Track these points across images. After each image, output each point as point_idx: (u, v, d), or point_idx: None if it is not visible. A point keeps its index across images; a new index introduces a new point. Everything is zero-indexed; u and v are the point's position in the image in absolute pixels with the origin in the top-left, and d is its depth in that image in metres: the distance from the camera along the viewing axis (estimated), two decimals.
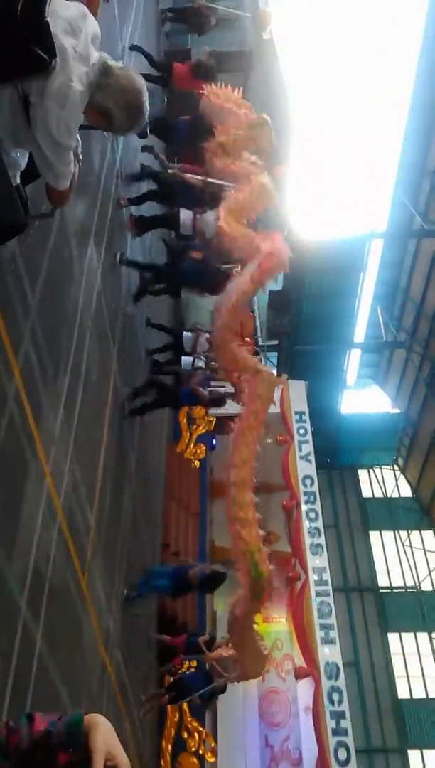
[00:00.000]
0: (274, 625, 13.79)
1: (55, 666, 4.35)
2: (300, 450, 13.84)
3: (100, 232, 5.95)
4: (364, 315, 19.77)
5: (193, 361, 10.42)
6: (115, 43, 7.08)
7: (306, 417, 14.42)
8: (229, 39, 14.29)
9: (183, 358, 10.47)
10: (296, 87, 14.59)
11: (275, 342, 19.12)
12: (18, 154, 2.42)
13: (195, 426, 13.73)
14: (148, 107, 2.49)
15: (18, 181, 2.49)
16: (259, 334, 19.24)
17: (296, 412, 14.44)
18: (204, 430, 13.52)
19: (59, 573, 4.49)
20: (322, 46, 15.78)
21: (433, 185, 17.28)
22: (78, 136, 2.40)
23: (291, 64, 13.99)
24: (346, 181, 17.90)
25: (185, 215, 8.97)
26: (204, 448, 13.67)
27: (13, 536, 3.62)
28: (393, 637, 19.31)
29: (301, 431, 14.26)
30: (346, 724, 11.16)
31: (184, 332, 10.61)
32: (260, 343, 19.18)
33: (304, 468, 13.51)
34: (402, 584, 20.43)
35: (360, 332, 20.02)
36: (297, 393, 14.84)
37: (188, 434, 13.64)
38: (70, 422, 4.76)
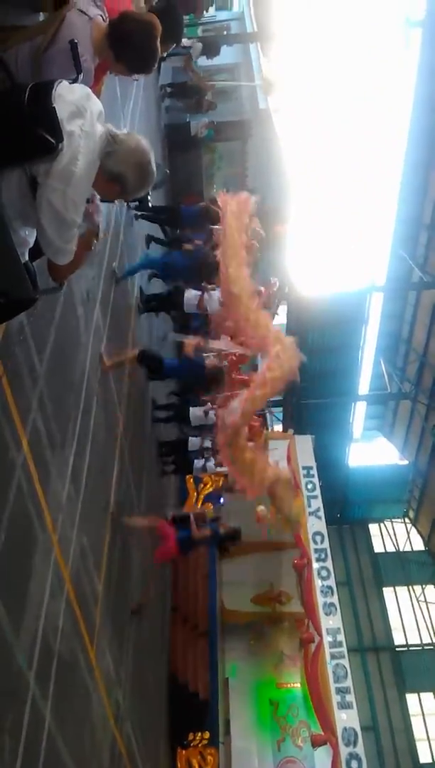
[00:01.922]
0: (289, 690, 13.31)
1: (64, 742, 4.21)
2: (309, 506, 13.59)
3: (105, 298, 6.06)
4: (367, 367, 19.86)
5: (201, 441, 10.58)
6: (118, 119, 7.37)
7: (314, 472, 14.23)
8: (227, 109, 14.84)
9: (190, 439, 10.64)
10: (293, 149, 15.06)
11: (280, 397, 19.15)
12: (27, 233, 2.49)
13: (202, 485, 13.61)
14: (154, 166, 2.59)
15: (27, 257, 2.55)
16: None
17: (304, 467, 14.25)
18: (211, 489, 13.39)
19: (67, 645, 4.39)
20: (316, 108, 16.36)
21: (431, 238, 17.62)
22: (102, 208, 2.48)
23: (286, 128, 14.49)
24: (345, 236, 18.27)
25: (190, 293, 9.21)
26: (211, 507, 13.50)
27: (21, 607, 3.56)
28: (412, 698, 18.66)
29: (310, 486, 14.05)
30: None
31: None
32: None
33: (314, 524, 13.24)
34: (419, 641, 19.87)
35: (364, 384, 20.08)
36: (304, 447, 14.69)
37: (196, 494, 13.51)
38: (77, 488, 4.74)
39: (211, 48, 11.21)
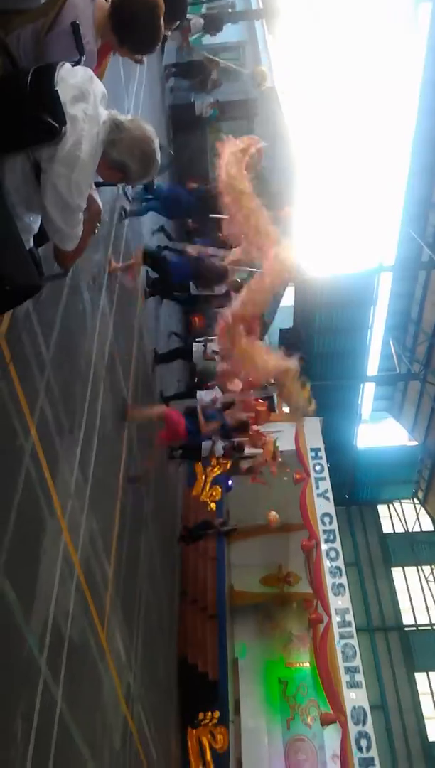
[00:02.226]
0: (298, 670, 13.45)
1: (76, 725, 4.26)
2: (317, 487, 13.65)
3: (111, 284, 6.03)
4: (376, 348, 19.77)
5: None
6: (122, 100, 7.27)
7: (322, 453, 14.27)
8: (232, 89, 14.63)
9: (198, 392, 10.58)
10: (299, 129, 14.89)
11: None
12: (31, 219, 2.47)
13: (210, 468, 13.64)
14: (159, 153, 2.56)
15: (31, 244, 2.53)
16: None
17: (312, 449, 14.29)
18: (219, 472, 13.43)
19: (78, 628, 4.42)
20: (323, 85, 16.15)
21: None
22: (99, 198, 2.45)
23: (293, 109, 14.31)
24: (353, 216, 18.12)
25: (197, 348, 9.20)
26: (220, 490, 13.57)
27: (31, 592, 3.58)
28: (420, 677, 18.79)
29: (318, 468, 14.10)
30: None
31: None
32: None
33: (323, 505, 13.30)
34: (428, 621, 19.96)
35: (373, 365, 19.99)
36: (312, 429, 14.72)
37: (204, 477, 13.56)
38: (85, 475, 4.75)
39: (213, 24, 10.98)
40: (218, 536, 12.08)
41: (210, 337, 10.61)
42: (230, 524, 12.19)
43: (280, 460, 11.23)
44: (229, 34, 15.23)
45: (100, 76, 2.66)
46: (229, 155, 6.84)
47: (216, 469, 13.26)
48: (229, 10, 14.79)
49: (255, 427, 10.96)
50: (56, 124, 2.18)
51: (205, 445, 10.50)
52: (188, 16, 11.09)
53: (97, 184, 2.57)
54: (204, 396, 10.37)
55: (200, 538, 11.99)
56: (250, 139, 7.32)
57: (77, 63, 2.50)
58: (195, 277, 9.10)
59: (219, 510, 13.60)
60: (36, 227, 2.53)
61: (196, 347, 10.58)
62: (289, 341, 17.22)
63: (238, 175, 6.74)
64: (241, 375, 8.56)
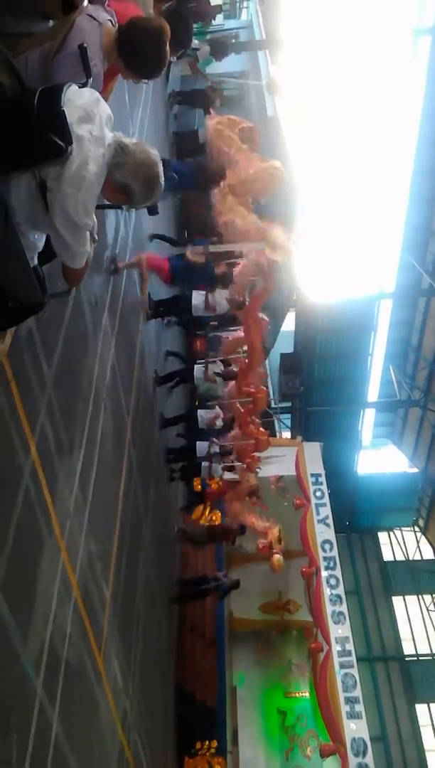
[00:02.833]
0: (297, 700, 13.22)
1: (72, 749, 4.18)
2: (318, 513, 13.57)
3: (113, 305, 6.07)
4: (376, 374, 19.78)
5: (209, 446, 10.68)
6: (127, 125, 7.39)
7: (322, 479, 14.22)
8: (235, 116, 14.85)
9: (198, 444, 10.75)
10: (301, 156, 15.06)
11: (288, 404, 19.12)
12: (36, 237, 2.50)
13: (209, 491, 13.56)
14: (163, 177, 2.59)
15: (36, 262, 2.56)
16: (272, 396, 19.27)
17: (312, 475, 14.25)
18: (217, 488, 13.34)
19: (75, 651, 4.37)
20: (324, 114, 16.38)
21: None
22: (94, 216, 2.47)
23: (295, 137, 14.50)
24: (354, 242, 18.25)
25: (197, 299, 9.32)
26: (220, 514, 13.47)
27: (28, 613, 3.54)
28: (421, 708, 18.50)
29: (318, 494, 14.03)
30: None
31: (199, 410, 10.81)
32: (273, 405, 19.18)
33: (323, 532, 13.22)
34: (428, 651, 19.70)
35: (373, 391, 19.98)
36: (312, 454, 14.69)
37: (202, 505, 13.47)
38: (85, 495, 4.73)
39: (219, 48, 11.20)
40: (219, 590, 11.61)
41: (211, 359, 10.69)
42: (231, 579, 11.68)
43: (282, 546, 11.42)
44: (232, 63, 15.56)
45: (106, 97, 2.72)
46: (218, 122, 7.15)
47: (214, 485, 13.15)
48: (233, 41, 15.12)
49: (255, 455, 10.98)
50: (62, 144, 2.22)
51: (204, 467, 10.53)
52: (194, 44, 11.32)
53: (101, 206, 2.59)
54: (204, 414, 10.44)
55: (198, 597, 11.51)
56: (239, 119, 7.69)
57: (84, 85, 2.56)
58: (196, 182, 9.25)
59: (218, 553, 13.50)
60: (41, 245, 2.56)
61: (198, 369, 10.63)
62: (290, 366, 17.28)
63: (228, 126, 7.10)
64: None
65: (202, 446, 10.93)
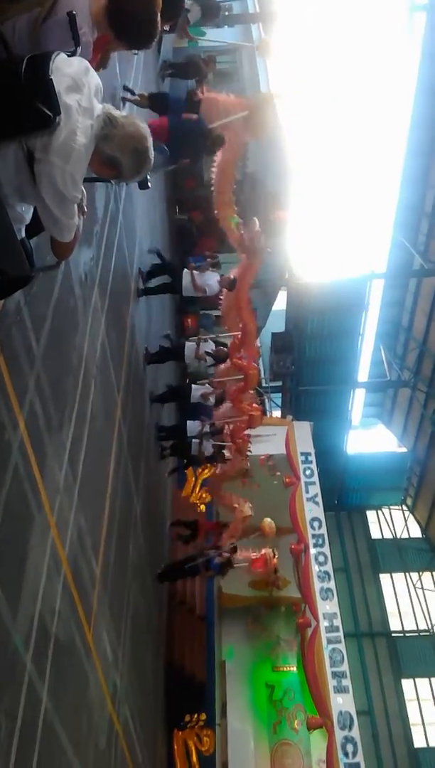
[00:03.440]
0: (285, 674, 13.40)
1: (61, 723, 4.22)
2: (307, 492, 13.67)
3: (103, 281, 6.01)
4: (367, 354, 19.84)
5: (201, 426, 10.67)
6: (117, 97, 7.28)
7: (312, 458, 14.30)
8: (228, 91, 14.64)
9: (189, 423, 10.74)
10: (294, 134, 14.92)
11: (279, 383, 19.15)
12: (23, 209, 2.45)
13: (200, 470, 13.61)
14: (153, 151, 2.54)
15: (23, 234, 2.51)
16: (263, 375, 19.28)
17: (302, 453, 14.32)
18: (209, 475, 13.40)
19: (65, 627, 4.39)
20: (318, 90, 16.20)
21: (432, 226, 17.54)
22: (83, 188, 2.43)
23: (288, 113, 14.33)
24: (346, 223, 18.18)
25: (186, 280, 9.33)
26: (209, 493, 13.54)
27: (18, 590, 3.54)
28: (407, 683, 18.84)
29: (308, 472, 14.12)
30: None
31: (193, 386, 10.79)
32: (264, 385, 19.20)
33: (312, 510, 13.32)
34: (415, 628, 20.02)
35: (364, 371, 20.05)
36: (302, 434, 14.75)
37: (194, 479, 13.53)
38: (74, 471, 4.72)
39: (210, 11, 10.91)
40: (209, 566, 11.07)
41: (203, 337, 10.65)
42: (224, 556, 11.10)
43: (279, 574, 11.50)
44: (225, 36, 15.29)
45: (95, 68, 2.65)
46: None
47: (206, 471, 13.23)
48: (226, 13, 14.81)
49: (246, 436, 10.99)
50: (50, 113, 2.16)
51: (194, 444, 10.53)
52: (186, 4, 11.03)
53: (89, 179, 2.54)
54: (195, 391, 10.42)
55: (185, 575, 11.18)
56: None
57: (73, 54, 2.49)
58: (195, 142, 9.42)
59: (208, 512, 13.58)
60: (28, 217, 2.51)
61: (188, 347, 10.59)
62: (281, 345, 17.27)
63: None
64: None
65: (193, 426, 10.93)
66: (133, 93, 8.27)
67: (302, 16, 14.59)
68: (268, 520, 11.55)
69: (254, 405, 10.56)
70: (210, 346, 10.66)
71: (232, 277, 9.50)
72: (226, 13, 14.83)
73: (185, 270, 9.86)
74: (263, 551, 11.39)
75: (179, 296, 10.21)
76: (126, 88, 7.88)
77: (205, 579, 11.71)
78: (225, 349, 10.46)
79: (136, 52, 3.18)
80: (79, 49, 2.59)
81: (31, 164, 2.22)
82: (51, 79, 2.18)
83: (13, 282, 2.51)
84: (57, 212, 2.31)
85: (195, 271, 9.79)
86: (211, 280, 9.84)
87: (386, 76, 16.34)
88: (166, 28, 7.37)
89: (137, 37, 2.98)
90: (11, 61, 2.26)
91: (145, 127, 2.50)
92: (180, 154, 9.64)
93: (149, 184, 7.51)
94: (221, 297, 9.96)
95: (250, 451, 11.36)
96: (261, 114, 7.79)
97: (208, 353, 10.54)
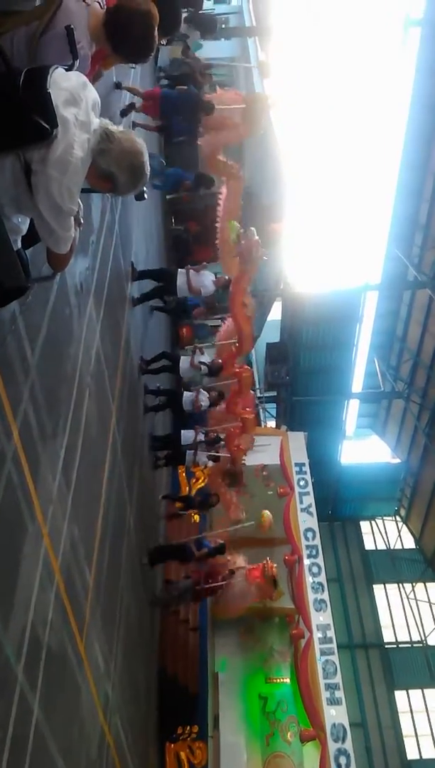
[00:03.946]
0: (279, 686, 13.32)
1: (52, 734, 4.20)
2: (301, 502, 13.68)
3: (99, 290, 6.03)
4: (361, 365, 19.91)
5: (195, 434, 10.67)
6: (115, 110, 7.34)
7: (306, 468, 14.32)
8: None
9: (183, 432, 10.72)
10: (289, 145, 15.04)
11: (273, 393, 19.18)
12: (20, 220, 2.47)
13: (194, 480, 13.59)
14: (148, 167, 2.56)
15: (19, 245, 2.53)
16: (257, 385, 19.31)
17: (296, 464, 14.34)
18: (204, 484, 13.38)
19: (57, 637, 4.37)
20: (313, 103, 16.36)
21: (426, 238, 17.65)
22: (79, 200, 2.45)
23: (283, 125, 14.45)
24: (341, 234, 18.28)
25: (181, 280, 9.39)
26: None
27: (9, 599, 3.53)
28: (400, 695, 18.79)
29: (302, 483, 14.13)
30: None
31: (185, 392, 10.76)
32: (259, 395, 19.23)
33: (306, 520, 13.33)
34: (408, 639, 19.98)
35: (358, 382, 20.12)
36: (296, 444, 14.77)
37: (188, 488, 13.49)
38: (68, 481, 4.72)
39: (207, 27, 11.04)
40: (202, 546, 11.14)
41: (199, 345, 10.69)
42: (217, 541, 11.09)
43: (279, 589, 11.47)
44: (221, 49, 15.44)
45: (92, 81, 2.68)
46: None
47: (200, 481, 13.21)
48: (223, 26, 14.98)
49: (241, 445, 11.00)
50: (48, 126, 2.19)
51: (189, 455, 10.53)
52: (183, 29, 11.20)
53: (86, 190, 2.56)
54: (187, 398, 10.41)
55: (177, 556, 11.02)
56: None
57: (70, 67, 2.52)
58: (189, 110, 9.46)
59: (202, 521, 13.53)
60: (24, 228, 2.53)
61: (183, 360, 10.61)
62: (276, 355, 17.32)
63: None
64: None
65: (188, 435, 10.91)
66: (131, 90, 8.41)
67: (298, 30, 14.74)
68: (267, 512, 11.47)
69: (247, 409, 10.54)
70: (205, 358, 10.70)
71: (226, 277, 9.56)
72: (223, 26, 15.00)
73: (180, 270, 9.90)
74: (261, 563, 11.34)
75: (174, 301, 10.24)
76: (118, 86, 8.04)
77: (198, 562, 11.37)
78: (220, 361, 10.50)
79: (134, 65, 3.20)
80: (77, 63, 2.62)
81: (28, 176, 2.24)
82: (49, 93, 2.22)
83: (9, 292, 2.52)
84: (53, 224, 2.33)
85: (191, 272, 9.84)
86: (206, 280, 9.88)
87: (382, 90, 16.50)
88: (163, 42, 7.45)
89: (135, 51, 3.01)
90: (10, 75, 2.29)
91: (141, 143, 2.53)
92: (172, 124, 9.73)
93: (145, 195, 7.57)
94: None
95: (244, 462, 11.36)
96: (257, 110, 7.98)
97: (202, 363, 10.56)
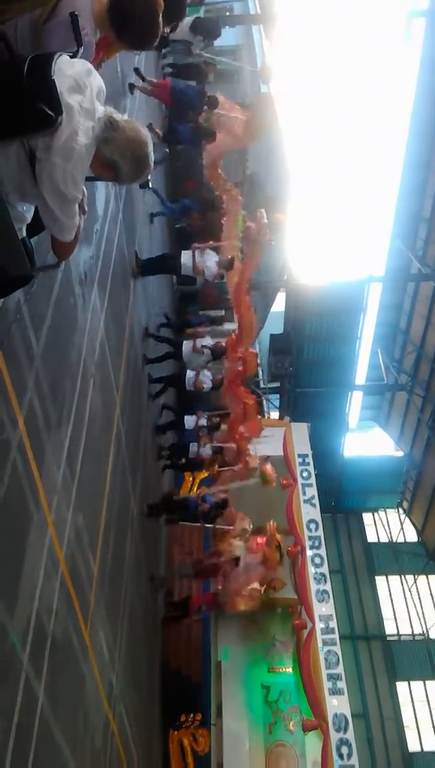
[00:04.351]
0: (281, 675, 13.40)
1: (57, 722, 4.23)
2: (304, 494, 13.67)
3: (103, 280, 6.02)
4: (364, 357, 19.88)
5: (197, 420, 10.63)
6: (119, 97, 7.30)
7: (309, 460, 14.30)
8: (228, 92, 14.69)
9: (186, 418, 10.69)
10: (294, 137, 14.96)
11: (277, 384, 19.17)
12: (24, 208, 2.46)
13: (197, 472, 13.59)
14: (153, 157, 2.55)
15: (24, 233, 2.52)
16: (261, 376, 19.31)
17: (299, 455, 14.32)
18: (207, 474, 13.39)
19: (61, 625, 4.39)
20: (318, 92, 16.26)
21: (430, 231, 17.59)
22: (84, 188, 2.44)
23: (289, 116, 14.37)
24: (345, 226, 18.22)
25: (186, 258, 9.37)
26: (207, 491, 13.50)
27: (15, 588, 3.55)
28: (402, 686, 18.86)
29: (305, 474, 14.12)
30: None
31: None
32: (262, 386, 19.23)
33: (309, 512, 13.32)
34: (410, 631, 20.04)
35: (361, 374, 20.09)
36: (300, 435, 14.75)
37: (191, 478, 13.50)
38: (72, 470, 4.73)
39: (210, 32, 11.03)
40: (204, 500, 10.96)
41: (199, 330, 10.67)
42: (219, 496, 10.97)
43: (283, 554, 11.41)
44: (226, 37, 15.30)
45: (97, 68, 2.66)
46: None
47: (203, 473, 13.21)
48: (227, 13, 14.88)
49: (241, 429, 10.97)
50: (52, 113, 2.18)
51: (193, 447, 10.52)
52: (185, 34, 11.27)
53: (90, 178, 2.55)
54: (192, 376, 10.36)
55: (181, 511, 10.95)
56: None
57: (75, 54, 2.50)
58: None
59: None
60: (29, 217, 2.52)
61: (186, 344, 10.55)
62: (280, 347, 17.30)
63: None
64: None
65: (190, 420, 10.84)
66: (143, 79, 8.49)
67: (302, 18, 14.63)
68: (268, 466, 11.43)
69: (249, 395, 10.49)
70: (207, 342, 10.64)
71: (229, 257, 9.56)
72: (228, 14, 14.89)
73: (185, 252, 9.91)
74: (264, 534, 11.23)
75: (178, 276, 10.36)
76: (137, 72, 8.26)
77: (201, 519, 11.22)
78: (223, 344, 10.46)
79: (138, 52, 3.18)
80: (82, 50, 2.60)
81: (32, 164, 2.23)
82: (53, 80, 2.20)
83: (14, 281, 2.52)
84: (58, 212, 2.33)
85: (196, 251, 9.84)
86: (209, 261, 9.86)
87: (386, 82, 16.39)
88: (168, 30, 7.40)
89: (139, 37, 2.99)
90: (14, 62, 2.28)
91: (145, 132, 2.52)
92: (179, 115, 10.24)
93: (150, 183, 7.54)
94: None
95: (250, 452, 11.32)
96: (259, 119, 8.10)
97: (205, 347, 10.48)
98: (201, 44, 11.21)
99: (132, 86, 8.16)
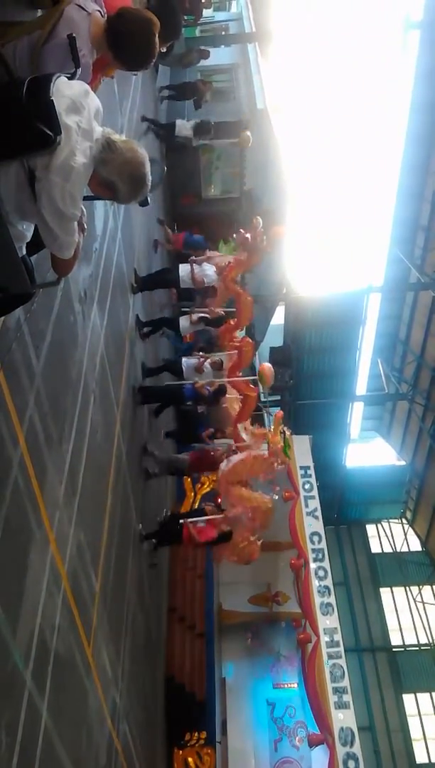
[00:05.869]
0: (286, 691, 13.30)
1: (61, 740, 4.20)
2: (307, 506, 13.62)
3: (102, 297, 6.05)
4: (365, 367, 19.92)
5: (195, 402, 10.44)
6: (115, 117, 7.36)
7: (311, 472, 14.26)
8: (225, 110, 14.85)
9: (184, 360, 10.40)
10: (291, 150, 15.09)
11: (278, 397, 19.17)
12: (24, 227, 2.49)
13: (199, 485, 13.58)
14: (150, 178, 2.58)
15: (24, 252, 2.55)
16: (261, 389, 19.30)
17: (301, 467, 14.28)
18: (209, 489, 13.37)
19: (64, 643, 4.38)
20: (314, 108, 16.43)
21: (428, 239, 17.67)
22: (82, 206, 2.47)
23: (285, 130, 14.51)
24: (343, 237, 18.34)
25: (183, 271, 9.43)
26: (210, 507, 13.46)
27: (17, 605, 3.54)
28: (408, 698, 18.70)
29: (307, 486, 14.08)
30: None
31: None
32: (263, 399, 19.22)
33: (312, 524, 13.27)
34: (415, 642, 19.90)
35: (362, 385, 20.13)
36: (301, 447, 14.71)
37: (193, 494, 13.48)
38: (74, 486, 4.74)
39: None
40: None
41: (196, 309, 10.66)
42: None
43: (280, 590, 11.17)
44: (222, 56, 15.49)
45: (94, 89, 2.70)
46: None
47: (205, 486, 13.20)
48: (223, 33, 15.04)
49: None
50: (51, 134, 2.21)
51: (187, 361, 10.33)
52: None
53: (88, 197, 2.58)
54: (189, 362, 10.20)
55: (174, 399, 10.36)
56: None
57: (72, 75, 2.54)
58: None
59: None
60: (29, 235, 2.55)
61: (183, 318, 10.48)
62: (280, 359, 17.32)
63: None
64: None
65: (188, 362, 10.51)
66: (155, 124, 8.54)
67: (298, 34, 14.81)
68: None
69: (251, 386, 10.26)
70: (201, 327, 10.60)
71: (228, 261, 9.64)
72: (223, 33, 15.05)
73: (182, 265, 9.96)
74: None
75: (177, 289, 10.38)
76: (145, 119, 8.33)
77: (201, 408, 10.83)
78: (221, 312, 10.43)
79: (135, 73, 3.22)
80: (79, 71, 2.64)
81: (32, 183, 2.26)
82: (52, 101, 2.24)
83: (14, 299, 2.54)
84: (57, 230, 2.35)
85: (194, 264, 9.90)
86: (208, 270, 9.91)
87: (382, 93, 16.57)
88: (164, 49, 7.50)
89: (136, 58, 3.04)
90: (13, 83, 2.31)
91: (143, 153, 2.55)
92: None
93: (149, 201, 7.57)
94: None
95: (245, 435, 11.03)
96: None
97: (201, 318, 10.38)
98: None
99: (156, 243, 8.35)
